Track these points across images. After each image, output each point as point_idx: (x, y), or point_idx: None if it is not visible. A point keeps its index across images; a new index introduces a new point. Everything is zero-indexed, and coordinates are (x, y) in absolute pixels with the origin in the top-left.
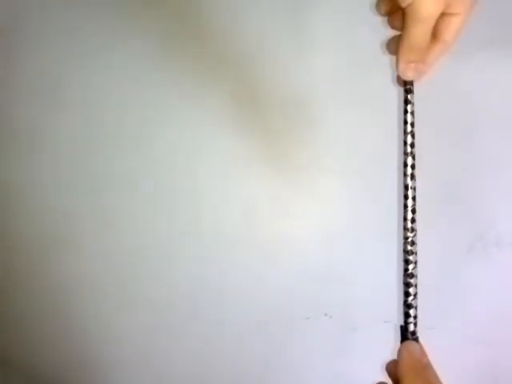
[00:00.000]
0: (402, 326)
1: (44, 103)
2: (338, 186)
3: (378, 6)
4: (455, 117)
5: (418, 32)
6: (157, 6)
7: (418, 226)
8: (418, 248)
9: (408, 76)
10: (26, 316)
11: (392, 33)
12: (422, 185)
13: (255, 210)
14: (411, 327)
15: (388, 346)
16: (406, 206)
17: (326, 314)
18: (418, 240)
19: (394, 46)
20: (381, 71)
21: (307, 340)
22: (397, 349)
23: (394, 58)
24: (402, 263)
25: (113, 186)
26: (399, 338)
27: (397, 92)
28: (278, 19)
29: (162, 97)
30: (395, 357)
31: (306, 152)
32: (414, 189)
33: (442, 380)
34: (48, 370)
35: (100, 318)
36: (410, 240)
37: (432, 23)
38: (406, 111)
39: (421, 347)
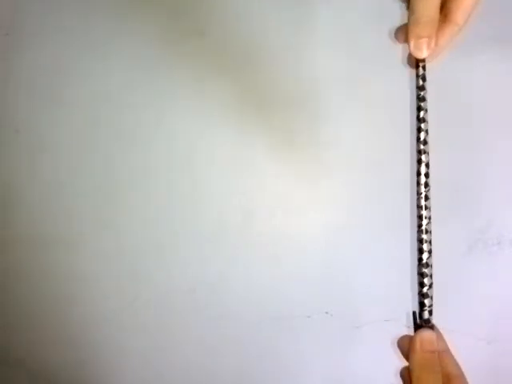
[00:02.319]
0: (414, 312)
1: (44, 103)
2: (340, 184)
3: None
4: (456, 116)
5: (422, 7)
6: (157, 1)
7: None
8: None
9: (419, 53)
10: (26, 316)
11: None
12: None
13: (256, 207)
14: (426, 314)
15: (389, 344)
16: (419, 193)
17: (327, 313)
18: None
19: (401, 34)
20: (385, 67)
21: (308, 338)
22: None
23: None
24: (403, 261)
25: (112, 185)
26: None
27: (400, 88)
28: (281, 13)
29: (162, 95)
30: (396, 352)
31: (308, 149)
32: (427, 175)
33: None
34: (48, 369)
35: (100, 318)
36: (423, 228)
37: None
38: (418, 98)
39: (436, 334)
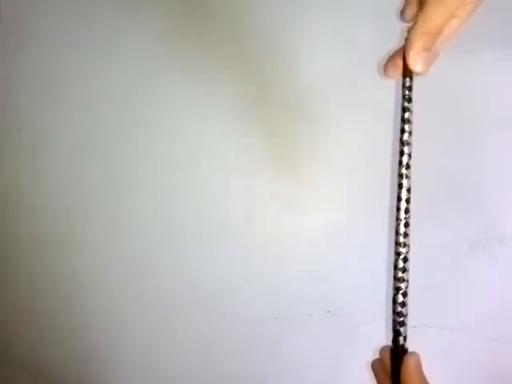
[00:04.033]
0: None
1: (46, 101)
2: (340, 184)
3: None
4: (457, 115)
5: (437, 15)
6: (159, 1)
7: (419, 223)
8: (422, 246)
9: (418, 66)
10: (27, 315)
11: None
12: (426, 184)
13: (257, 207)
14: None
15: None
16: (398, 219)
17: (329, 312)
18: (422, 238)
19: (392, 67)
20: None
21: (310, 337)
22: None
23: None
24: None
25: (115, 184)
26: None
27: (397, 90)
28: (281, 17)
29: (162, 96)
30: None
31: (307, 150)
32: (408, 191)
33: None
34: (50, 367)
35: (102, 317)
36: (401, 249)
37: (453, 8)
38: (404, 109)
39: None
